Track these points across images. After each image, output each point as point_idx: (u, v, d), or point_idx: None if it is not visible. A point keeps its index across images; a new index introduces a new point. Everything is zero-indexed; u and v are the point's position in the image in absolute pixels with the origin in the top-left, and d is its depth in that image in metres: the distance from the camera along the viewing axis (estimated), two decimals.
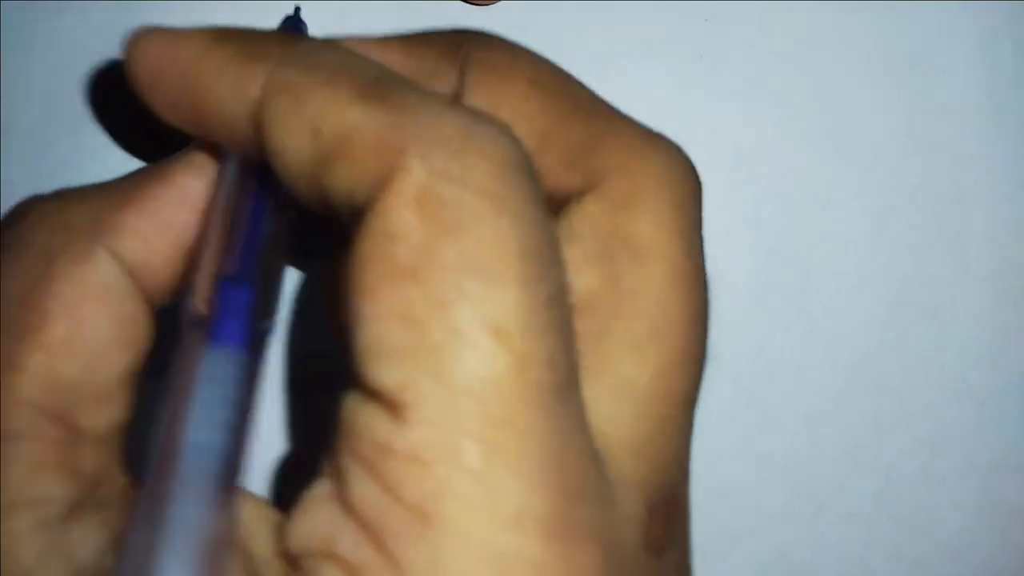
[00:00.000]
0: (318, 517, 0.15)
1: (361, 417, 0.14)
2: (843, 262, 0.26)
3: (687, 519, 0.18)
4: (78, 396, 0.16)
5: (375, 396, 0.14)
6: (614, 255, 0.17)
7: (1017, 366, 0.27)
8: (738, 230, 0.26)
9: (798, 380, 0.26)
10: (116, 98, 0.19)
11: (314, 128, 0.15)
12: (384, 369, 0.14)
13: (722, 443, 0.26)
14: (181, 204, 0.18)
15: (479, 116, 0.15)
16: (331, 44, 0.17)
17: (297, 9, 0.23)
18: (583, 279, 0.17)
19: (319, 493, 0.15)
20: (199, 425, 0.15)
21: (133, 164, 0.26)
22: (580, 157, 0.17)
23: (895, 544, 0.27)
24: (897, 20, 0.26)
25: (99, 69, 0.25)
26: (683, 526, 0.18)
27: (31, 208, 0.18)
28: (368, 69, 0.16)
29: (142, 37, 0.18)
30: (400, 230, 0.14)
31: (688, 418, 0.17)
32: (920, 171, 0.26)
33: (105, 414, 0.17)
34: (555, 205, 0.18)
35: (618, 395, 0.16)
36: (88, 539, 0.16)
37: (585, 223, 0.17)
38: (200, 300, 0.17)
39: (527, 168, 0.15)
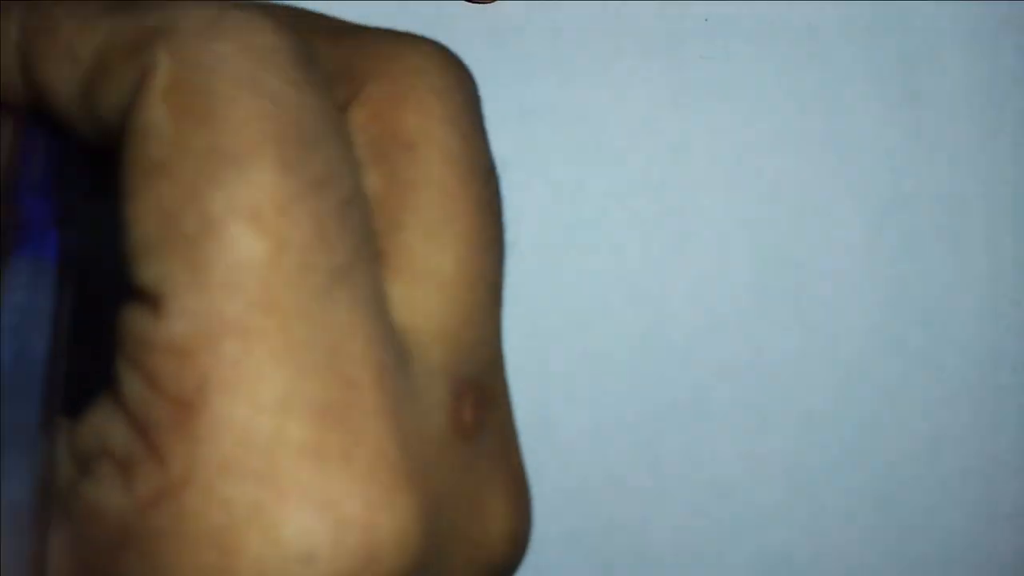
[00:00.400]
0: (97, 419, 0.14)
1: (129, 317, 0.14)
2: (842, 262, 0.26)
3: (505, 409, 0.18)
4: None
5: (139, 295, 0.14)
6: (388, 154, 0.17)
7: (1017, 366, 0.27)
8: (738, 230, 0.26)
9: (797, 380, 0.26)
10: None
11: (72, 55, 0.15)
12: (145, 266, 0.14)
13: (722, 443, 0.26)
14: None
15: (232, 4, 0.15)
16: None
17: None
18: (366, 183, 0.17)
19: (101, 398, 0.15)
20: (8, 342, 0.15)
21: None
22: (338, 75, 0.17)
23: (895, 544, 0.27)
24: (897, 20, 0.26)
25: None
26: (500, 413, 0.17)
27: None
28: None
29: None
30: (151, 125, 0.14)
31: (495, 306, 0.17)
32: (920, 172, 0.26)
33: None
34: None
35: (423, 284, 0.16)
36: None
37: (354, 132, 0.17)
38: (7, 205, 0.17)
39: (292, 51, 0.15)
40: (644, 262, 0.26)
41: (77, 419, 0.15)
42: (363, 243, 0.15)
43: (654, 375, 0.26)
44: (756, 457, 0.26)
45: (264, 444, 0.13)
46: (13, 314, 0.15)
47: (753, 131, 0.26)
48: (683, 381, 0.26)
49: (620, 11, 0.26)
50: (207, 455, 0.13)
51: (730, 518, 0.26)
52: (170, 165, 0.14)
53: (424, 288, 0.16)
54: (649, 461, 0.26)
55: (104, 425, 0.14)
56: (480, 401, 0.17)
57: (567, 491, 0.26)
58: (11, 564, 0.14)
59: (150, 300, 0.14)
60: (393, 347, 0.15)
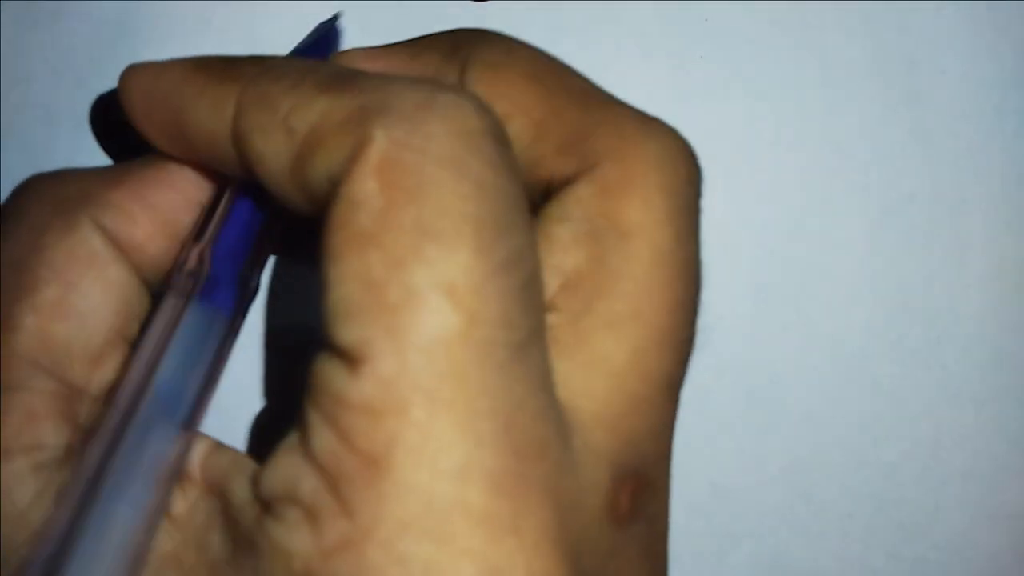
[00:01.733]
0: (285, 464, 0.15)
1: (324, 372, 0.15)
2: (843, 262, 0.26)
3: (662, 500, 0.18)
4: (70, 355, 0.18)
5: (337, 353, 0.15)
6: (601, 237, 0.17)
7: (1017, 367, 0.27)
8: (738, 230, 0.26)
9: (798, 381, 0.26)
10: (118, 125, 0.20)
11: (287, 128, 0.16)
12: (346, 327, 0.15)
13: (722, 443, 0.26)
14: (167, 187, 0.19)
15: (442, 86, 0.16)
16: (295, 59, 0.19)
17: (336, 15, 0.24)
18: (570, 259, 0.17)
19: (287, 443, 0.16)
20: (167, 370, 0.17)
21: None
22: (575, 143, 0.18)
23: (895, 545, 0.27)
24: (897, 20, 0.26)
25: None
26: (656, 505, 0.18)
27: (30, 184, 0.19)
28: (329, 68, 0.17)
29: (131, 71, 0.19)
30: (362, 197, 0.15)
31: (668, 401, 0.18)
32: (920, 172, 0.26)
33: (98, 374, 0.18)
34: (551, 191, 0.18)
35: (593, 370, 0.17)
36: None
37: (576, 206, 0.17)
38: (192, 261, 0.18)
39: (493, 135, 0.16)
40: None
41: (263, 461, 0.16)
42: (539, 321, 0.16)
43: None
44: (756, 457, 0.26)
45: (443, 507, 0.14)
46: (178, 354, 0.17)
47: (752, 131, 0.26)
48: None
49: (620, 11, 0.26)
50: (390, 512, 0.14)
51: (730, 518, 0.26)
52: (378, 236, 0.15)
53: (595, 375, 0.17)
54: None
55: (292, 471, 0.15)
56: (638, 490, 0.17)
57: None
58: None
59: (348, 359, 0.15)
60: (558, 423, 0.16)
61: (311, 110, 0.16)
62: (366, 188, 0.15)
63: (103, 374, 0.18)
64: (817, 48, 0.26)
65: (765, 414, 0.26)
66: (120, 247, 0.19)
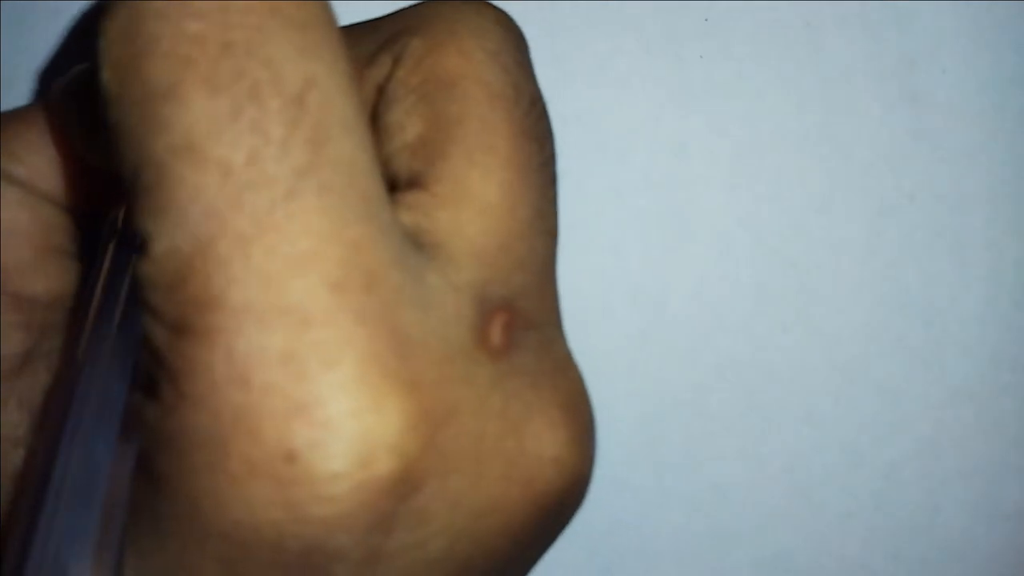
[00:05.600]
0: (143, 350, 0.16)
1: (135, 263, 0.15)
2: (843, 262, 0.26)
3: (549, 333, 0.18)
4: (7, 271, 0.19)
5: (135, 243, 0.15)
6: (431, 96, 0.17)
7: (1017, 367, 0.27)
8: (738, 230, 0.26)
9: (798, 380, 0.26)
10: None
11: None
12: (133, 220, 0.15)
13: (722, 443, 0.26)
14: (46, 131, 0.20)
15: None
16: None
17: None
18: (409, 130, 0.17)
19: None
20: (104, 320, 0.17)
21: None
22: (387, 42, 0.18)
23: (895, 545, 0.27)
24: (897, 20, 0.26)
25: None
26: (540, 337, 0.17)
27: None
28: None
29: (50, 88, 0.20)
30: (104, 92, 0.15)
31: (539, 233, 0.17)
32: (920, 171, 0.26)
33: (41, 283, 0.19)
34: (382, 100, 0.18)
35: (463, 207, 0.16)
36: (37, 384, 0.19)
37: (398, 86, 0.17)
38: (120, 213, 0.19)
39: None
40: (644, 261, 0.26)
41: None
42: (329, 139, 0.15)
43: (654, 375, 0.26)
44: (756, 457, 0.26)
45: (242, 356, 0.14)
46: (111, 299, 0.17)
47: (753, 131, 0.26)
48: (683, 381, 0.26)
49: (620, 11, 0.26)
50: (198, 372, 0.14)
51: (730, 518, 0.26)
52: (122, 124, 0.15)
53: (464, 211, 0.16)
54: (649, 461, 0.26)
55: (144, 357, 0.15)
56: (512, 322, 0.17)
57: None
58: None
59: (140, 245, 0.15)
60: (396, 254, 0.15)
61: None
62: (104, 80, 0.15)
63: (45, 283, 0.19)
64: (816, 48, 0.26)
65: (765, 414, 0.26)
66: (8, 179, 0.19)
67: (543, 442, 0.16)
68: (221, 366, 0.14)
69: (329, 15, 0.16)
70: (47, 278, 0.19)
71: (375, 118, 0.18)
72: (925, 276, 0.27)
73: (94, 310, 0.17)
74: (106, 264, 0.18)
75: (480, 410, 0.16)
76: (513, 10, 0.26)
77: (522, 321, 0.17)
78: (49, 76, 0.25)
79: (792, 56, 0.26)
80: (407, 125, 0.17)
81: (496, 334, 0.16)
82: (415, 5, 0.18)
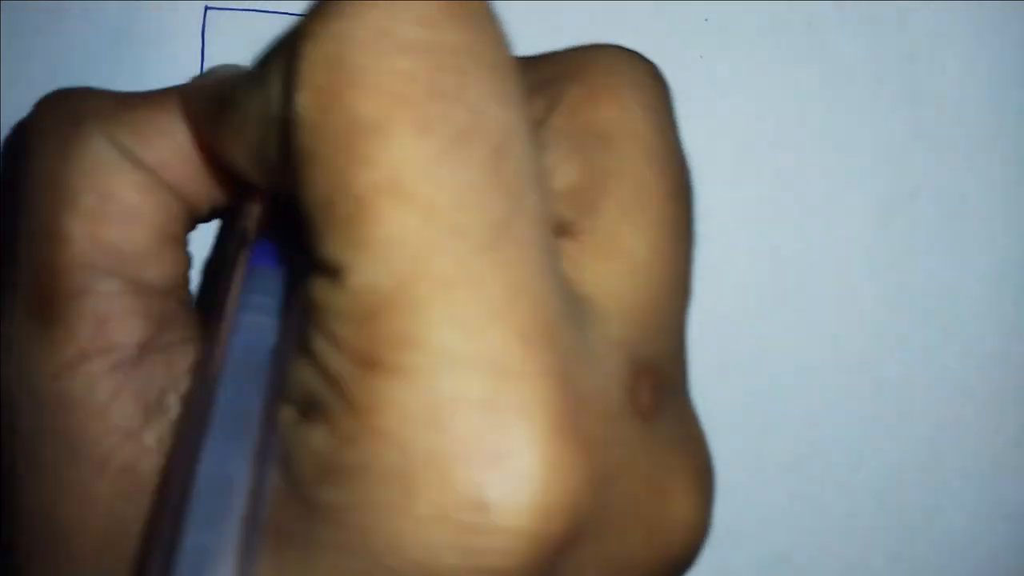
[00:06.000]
0: (298, 371, 0.16)
1: (311, 285, 0.15)
2: (843, 262, 0.26)
3: (685, 402, 0.18)
4: (124, 255, 0.18)
5: (318, 267, 0.15)
6: (586, 148, 0.17)
7: (1017, 366, 0.27)
8: (738, 230, 0.26)
9: (798, 380, 0.26)
10: None
11: (249, 121, 0.17)
12: (318, 245, 0.15)
13: (722, 443, 0.26)
14: (179, 119, 0.19)
15: None
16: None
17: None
18: (562, 177, 0.17)
19: (300, 351, 0.16)
20: (237, 335, 0.17)
21: None
22: (541, 87, 0.18)
23: (896, 545, 0.27)
24: (897, 19, 0.26)
25: None
26: (680, 406, 0.18)
27: (50, 100, 0.20)
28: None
29: (187, 84, 0.20)
30: (297, 116, 0.15)
31: (681, 296, 0.18)
32: (920, 171, 0.26)
33: (157, 270, 0.19)
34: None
35: (614, 263, 0.16)
36: (154, 378, 0.18)
37: (554, 135, 0.17)
38: (249, 222, 0.19)
39: (426, 12, 0.15)
40: None
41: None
42: (524, 191, 0.15)
43: None
44: (756, 457, 0.26)
45: (441, 397, 0.14)
46: (248, 313, 0.17)
47: (753, 131, 0.26)
48: None
49: (620, 11, 0.26)
50: (387, 407, 0.14)
51: (730, 518, 0.26)
52: (317, 151, 0.14)
53: (614, 266, 0.16)
54: None
55: (304, 376, 0.15)
56: (659, 385, 0.17)
57: None
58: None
59: (327, 272, 0.15)
60: (567, 307, 0.15)
61: (273, 86, 0.16)
62: (301, 104, 0.15)
63: (161, 270, 0.19)
64: (817, 48, 0.26)
65: (765, 414, 0.26)
66: (135, 163, 0.19)
67: (680, 507, 0.17)
68: (416, 406, 0.14)
69: (516, 63, 0.16)
70: (163, 266, 0.19)
71: None
72: (925, 275, 0.27)
73: (228, 321, 0.17)
74: (238, 274, 0.18)
75: (632, 472, 0.16)
76: (513, 11, 0.26)
77: (666, 384, 0.17)
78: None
79: (793, 56, 0.26)
80: (560, 172, 0.17)
81: (646, 395, 0.16)
82: (572, 50, 0.18)
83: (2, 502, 0.19)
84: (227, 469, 0.15)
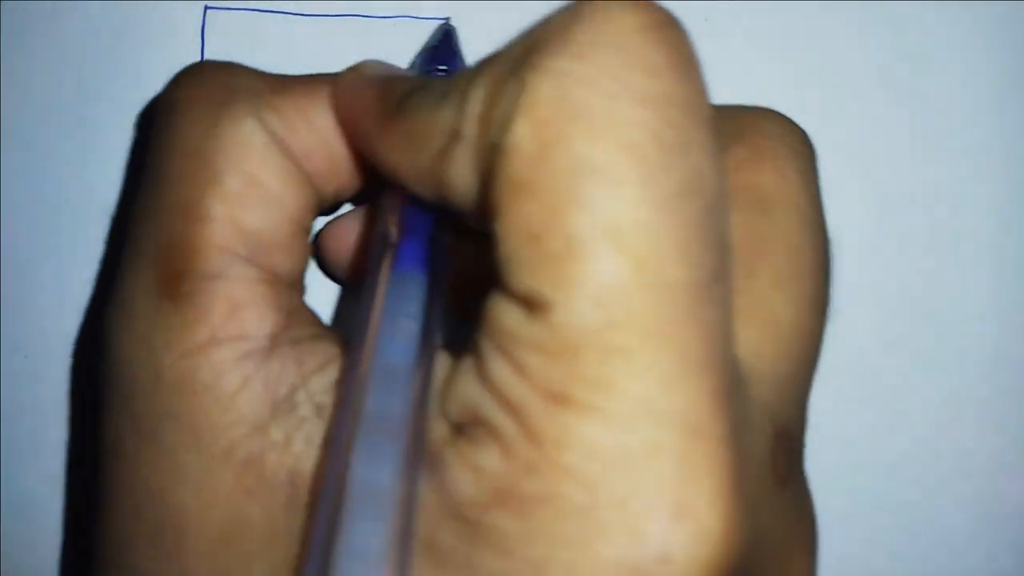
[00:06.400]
0: (464, 388, 0.16)
1: (499, 310, 0.15)
2: (843, 262, 0.26)
3: (803, 466, 0.18)
4: (262, 242, 0.18)
5: (511, 296, 0.15)
6: (745, 207, 0.17)
7: (1017, 366, 0.27)
8: None
9: None
10: None
11: (459, 139, 0.16)
12: (516, 277, 0.15)
13: None
14: (327, 111, 0.19)
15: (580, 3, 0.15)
16: (445, 77, 0.19)
17: (446, 19, 0.25)
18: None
19: (463, 368, 0.16)
20: (386, 341, 0.17)
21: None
22: None
23: (895, 545, 0.27)
24: (897, 20, 0.26)
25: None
26: (800, 468, 0.18)
27: (198, 71, 0.19)
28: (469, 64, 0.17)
29: (339, 83, 0.19)
30: (516, 144, 0.14)
31: (815, 367, 0.18)
32: (920, 171, 0.26)
33: (288, 260, 0.19)
34: None
35: (764, 330, 0.17)
36: (283, 373, 0.18)
37: None
38: (390, 227, 0.19)
39: (656, 30, 0.15)
40: None
41: (445, 384, 0.16)
42: (726, 250, 0.15)
43: None
44: None
45: (633, 444, 0.14)
46: (392, 319, 0.17)
47: None
48: None
49: None
50: (577, 444, 0.14)
51: None
52: (533, 184, 0.14)
53: (764, 332, 0.17)
54: None
55: (472, 395, 0.15)
56: (791, 452, 0.17)
57: None
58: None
59: (522, 303, 0.15)
60: (736, 372, 0.15)
61: (471, 103, 0.16)
62: (519, 134, 0.14)
63: (292, 261, 0.19)
64: (817, 48, 0.26)
65: None
66: (283, 149, 0.19)
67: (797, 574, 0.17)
68: (608, 449, 0.14)
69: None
70: (294, 257, 0.19)
71: None
72: (926, 276, 0.27)
73: (375, 327, 0.17)
74: (383, 279, 0.18)
75: (767, 536, 0.16)
76: (513, 11, 0.26)
77: (796, 449, 0.17)
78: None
79: (792, 56, 0.26)
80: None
81: (782, 462, 0.17)
82: (734, 108, 0.19)
83: (95, 475, 0.18)
84: (379, 477, 0.15)
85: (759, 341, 0.17)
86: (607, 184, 0.14)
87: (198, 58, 0.26)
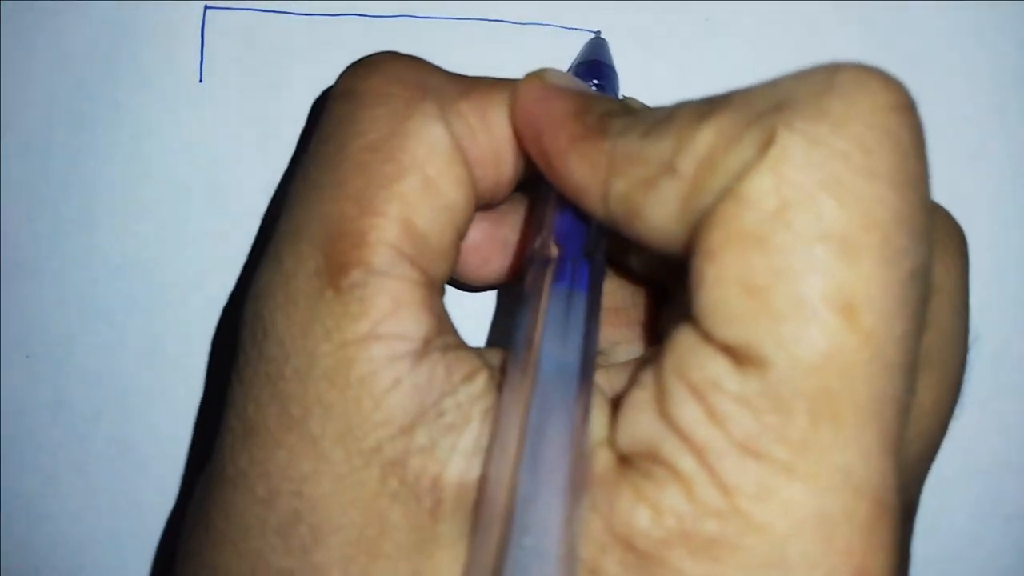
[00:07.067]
0: (640, 422, 0.16)
1: (697, 355, 0.15)
2: None
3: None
4: (429, 247, 0.18)
5: (715, 344, 0.15)
6: None
7: (1017, 367, 0.27)
8: None
9: None
10: None
11: (671, 172, 0.16)
12: (726, 327, 0.15)
13: None
14: (505, 118, 0.19)
15: (837, 65, 0.15)
16: (651, 108, 0.18)
17: (598, 32, 0.25)
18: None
19: (638, 401, 0.16)
20: (550, 350, 0.17)
21: (136, 166, 0.26)
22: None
23: None
24: (897, 20, 0.26)
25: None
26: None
27: (387, 63, 0.19)
28: (682, 107, 0.17)
29: (524, 88, 0.19)
30: (755, 195, 0.14)
31: (935, 455, 0.19)
32: None
33: (445, 265, 0.18)
34: None
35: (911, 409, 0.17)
36: (433, 378, 0.17)
37: None
38: (546, 243, 0.19)
39: (906, 113, 0.15)
40: None
41: (614, 413, 0.16)
42: (919, 342, 0.15)
43: None
44: None
45: (828, 511, 0.14)
46: (555, 336, 0.17)
47: None
48: None
49: (620, 11, 0.26)
50: (771, 500, 0.14)
51: None
52: (766, 238, 0.14)
53: (911, 413, 0.17)
54: None
55: (650, 431, 0.15)
56: (908, 527, 0.18)
57: None
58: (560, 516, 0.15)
59: (729, 355, 0.15)
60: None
61: (697, 143, 0.16)
62: (761, 185, 0.14)
63: (447, 268, 0.18)
64: (817, 48, 0.26)
65: None
66: (463, 155, 0.18)
67: None
68: (804, 509, 0.14)
69: None
70: (451, 264, 0.19)
71: None
72: None
73: (536, 347, 0.17)
74: (544, 298, 0.18)
75: None
76: (513, 11, 0.26)
77: (910, 531, 0.19)
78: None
79: (792, 56, 0.26)
80: None
81: (907, 540, 0.18)
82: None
83: (209, 453, 0.18)
84: (546, 501, 0.15)
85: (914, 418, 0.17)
86: (848, 255, 0.14)
87: (197, 57, 0.26)
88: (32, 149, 0.26)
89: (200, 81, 0.26)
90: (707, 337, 0.15)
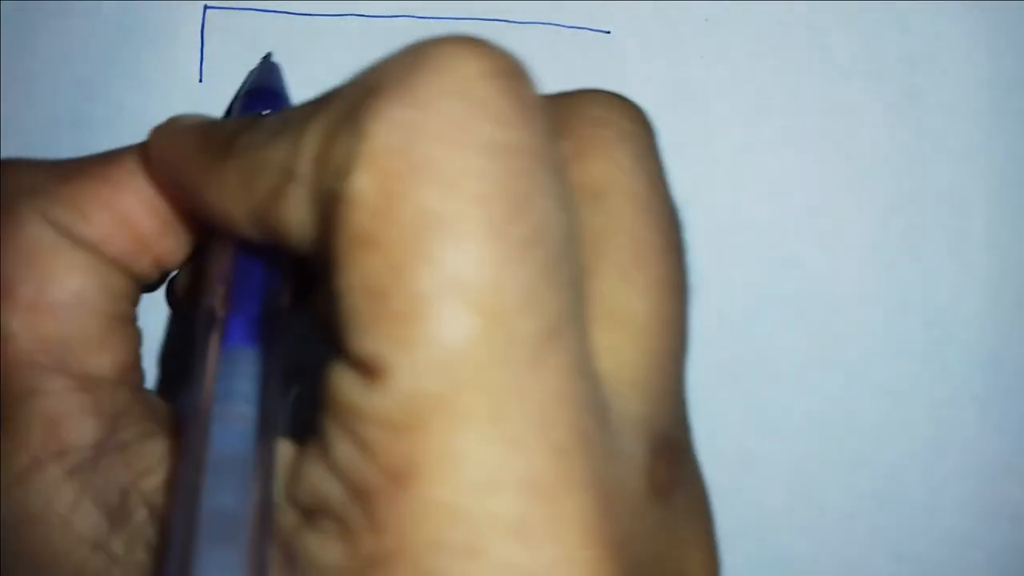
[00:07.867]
0: (311, 473, 0.15)
1: (341, 382, 0.14)
2: (843, 263, 0.26)
3: (692, 461, 0.17)
4: (70, 347, 0.17)
5: (352, 363, 0.14)
6: (580, 205, 0.16)
7: (1017, 367, 0.27)
8: (738, 231, 0.26)
9: (799, 381, 0.26)
10: None
11: (294, 178, 0.15)
12: (357, 338, 0.14)
13: (723, 444, 0.26)
14: (123, 187, 0.18)
15: (435, 37, 0.14)
16: (276, 114, 0.17)
17: (268, 54, 0.25)
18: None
19: (310, 452, 0.15)
20: (220, 426, 0.15)
21: None
22: None
23: (896, 545, 0.27)
24: (897, 20, 0.26)
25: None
26: (688, 468, 0.17)
27: None
28: (305, 103, 0.16)
29: (153, 136, 0.18)
30: (358, 195, 0.14)
31: (683, 354, 0.17)
32: (920, 171, 0.26)
33: (107, 357, 0.17)
34: None
35: (618, 330, 0.16)
36: (113, 480, 0.17)
37: None
38: (216, 300, 0.17)
39: (501, 76, 0.14)
40: None
41: (293, 468, 0.15)
42: (573, 296, 0.14)
43: None
44: (757, 458, 0.26)
45: (472, 521, 0.13)
46: (227, 397, 0.16)
47: (753, 131, 0.26)
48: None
49: (620, 11, 0.26)
50: (418, 529, 0.13)
51: (731, 519, 0.26)
52: (376, 237, 0.14)
53: (619, 335, 0.16)
54: None
55: (319, 481, 0.14)
56: (673, 457, 0.16)
57: None
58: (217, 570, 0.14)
59: (363, 371, 0.14)
60: (598, 405, 0.15)
61: (306, 144, 0.15)
62: (360, 184, 0.14)
63: (110, 358, 0.18)
64: (817, 48, 0.26)
65: (765, 414, 0.26)
66: (75, 241, 0.18)
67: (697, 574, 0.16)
68: (451, 535, 0.13)
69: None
70: (113, 353, 0.18)
71: None
72: (926, 276, 0.27)
73: (204, 417, 0.16)
74: (211, 361, 0.16)
75: (653, 556, 0.15)
76: (513, 10, 0.26)
77: (678, 453, 0.16)
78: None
79: (792, 56, 0.26)
80: None
81: (662, 473, 0.16)
82: (557, 98, 0.17)
83: None
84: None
85: (617, 344, 0.16)
86: (453, 238, 0.13)
87: (197, 58, 0.26)
88: (32, 149, 0.26)
89: (200, 81, 0.26)
90: (347, 357, 0.14)
